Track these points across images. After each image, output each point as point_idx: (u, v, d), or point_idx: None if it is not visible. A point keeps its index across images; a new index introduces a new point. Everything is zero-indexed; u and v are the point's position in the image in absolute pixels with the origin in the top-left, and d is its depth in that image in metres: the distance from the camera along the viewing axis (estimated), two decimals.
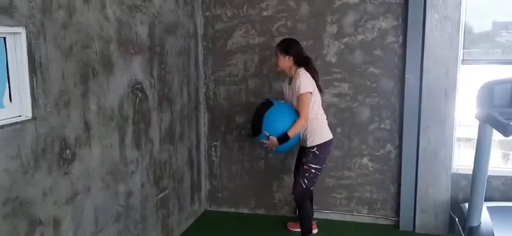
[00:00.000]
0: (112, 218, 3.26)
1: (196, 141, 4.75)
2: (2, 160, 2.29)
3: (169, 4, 4.01)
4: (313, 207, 4.37)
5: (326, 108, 4.20)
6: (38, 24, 2.47)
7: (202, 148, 4.91)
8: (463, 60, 4.25)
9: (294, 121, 3.75)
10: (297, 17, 4.49)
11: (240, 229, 4.57)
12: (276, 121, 3.81)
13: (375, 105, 4.44)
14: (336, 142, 4.51)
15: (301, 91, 3.73)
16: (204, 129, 4.92)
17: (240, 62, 4.71)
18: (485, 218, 3.61)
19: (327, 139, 3.90)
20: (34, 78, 2.46)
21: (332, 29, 4.43)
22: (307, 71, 3.86)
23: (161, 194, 3.98)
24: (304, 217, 3.97)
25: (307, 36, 4.47)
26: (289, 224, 4.54)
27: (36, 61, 2.47)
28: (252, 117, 4.05)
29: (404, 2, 4.22)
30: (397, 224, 4.53)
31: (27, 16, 2.40)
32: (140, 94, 3.57)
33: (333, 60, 4.45)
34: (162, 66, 3.91)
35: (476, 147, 3.40)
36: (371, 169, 4.55)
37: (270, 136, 3.76)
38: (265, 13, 4.57)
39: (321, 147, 3.86)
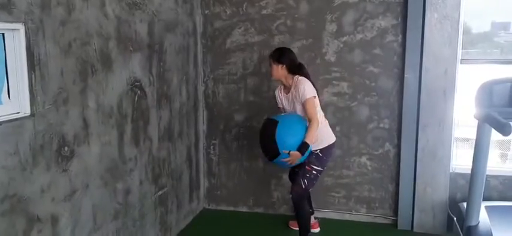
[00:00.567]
0: (110, 216, 3.26)
1: (195, 139, 4.75)
2: (0, 157, 2.29)
3: (168, 2, 4.01)
4: (311, 206, 4.38)
5: (325, 107, 4.20)
6: (37, 21, 2.47)
7: (201, 146, 4.90)
8: (462, 59, 4.25)
9: (306, 127, 3.71)
10: (296, 16, 4.49)
11: (238, 228, 4.57)
12: (289, 136, 3.70)
13: (374, 104, 4.44)
14: (335, 141, 4.52)
15: (307, 96, 3.72)
16: (202, 127, 4.92)
17: (239, 61, 4.71)
18: (483, 217, 3.61)
19: (330, 142, 3.91)
20: (33, 75, 2.46)
21: (331, 27, 4.42)
22: (308, 78, 3.86)
23: (160, 192, 3.98)
24: (302, 217, 3.96)
25: (307, 35, 4.47)
26: (290, 222, 4.54)
27: (35, 58, 2.47)
28: (262, 142, 3.89)
29: (404, 1, 4.22)
30: (395, 223, 4.53)
31: (26, 12, 2.40)
32: (139, 91, 3.56)
33: (332, 59, 4.45)
34: (161, 64, 3.91)
35: (475, 147, 3.40)
36: (369, 168, 4.56)
37: (291, 152, 3.66)
38: (264, 11, 4.56)
39: (325, 149, 3.86)
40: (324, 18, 4.43)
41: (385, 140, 4.48)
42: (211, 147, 4.95)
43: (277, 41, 4.54)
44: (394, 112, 4.41)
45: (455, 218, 4.08)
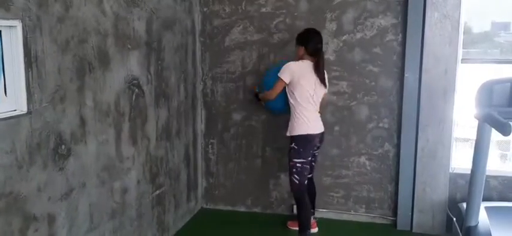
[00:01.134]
0: (107, 215, 3.23)
1: (193, 138, 4.72)
2: None
3: None
4: (314, 206, 4.36)
5: (324, 106, 4.17)
6: (34, 18, 2.44)
7: (199, 145, 4.88)
8: (462, 59, 4.23)
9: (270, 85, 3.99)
10: (295, 14, 4.47)
11: (237, 227, 4.55)
12: (265, 78, 4.24)
13: (374, 104, 4.42)
14: (334, 141, 4.50)
15: (278, 74, 3.88)
16: (200, 126, 4.89)
17: (237, 59, 4.69)
18: (482, 218, 3.60)
19: (300, 133, 3.88)
20: (30, 72, 2.43)
21: (331, 26, 4.40)
22: (314, 64, 3.86)
23: (157, 192, 3.96)
24: (302, 214, 3.96)
25: None
26: (289, 222, 4.52)
27: (32, 56, 2.44)
28: None
29: (404, 0, 4.20)
30: (394, 224, 4.51)
31: (23, 9, 2.37)
32: (137, 90, 3.53)
33: (332, 57, 4.43)
34: (159, 62, 3.88)
35: (475, 147, 3.39)
36: (369, 168, 4.54)
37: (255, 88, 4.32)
38: (263, 9, 4.54)
39: (299, 140, 3.88)
40: (323, 17, 4.41)
41: (385, 140, 4.46)
42: (210, 146, 4.93)
43: (277, 40, 4.53)
44: (393, 112, 4.39)
45: (454, 219, 4.06)
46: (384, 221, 4.58)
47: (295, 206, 4.17)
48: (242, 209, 4.95)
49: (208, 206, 5.04)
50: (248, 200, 4.92)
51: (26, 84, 2.41)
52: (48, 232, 2.64)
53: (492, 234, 3.45)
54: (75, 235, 2.90)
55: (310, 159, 3.97)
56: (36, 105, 2.49)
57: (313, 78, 3.85)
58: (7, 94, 2.38)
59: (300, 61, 3.88)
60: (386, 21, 4.29)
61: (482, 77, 3.46)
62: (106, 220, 3.22)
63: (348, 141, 4.54)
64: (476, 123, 3.35)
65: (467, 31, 4.32)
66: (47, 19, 2.53)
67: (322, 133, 4.02)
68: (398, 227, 4.46)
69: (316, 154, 4.16)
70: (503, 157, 4.66)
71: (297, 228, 4.10)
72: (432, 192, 4.32)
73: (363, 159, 4.54)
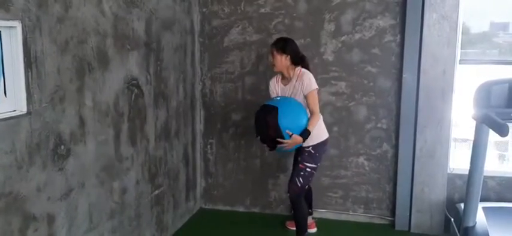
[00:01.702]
0: (106, 215, 3.24)
1: (192, 138, 4.73)
2: None
3: (166, 0, 3.99)
4: (311, 206, 4.37)
5: (322, 106, 4.19)
6: (34, 18, 2.45)
7: (197, 145, 4.89)
8: (460, 60, 4.24)
9: (304, 111, 3.71)
10: (294, 15, 4.48)
11: (235, 227, 4.56)
12: (291, 120, 3.63)
13: (372, 104, 4.43)
14: (333, 141, 4.50)
15: (312, 88, 3.71)
16: (199, 127, 4.90)
17: (236, 59, 4.69)
18: (480, 218, 3.62)
19: (323, 139, 3.88)
20: (29, 73, 2.44)
21: (330, 27, 4.41)
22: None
23: (156, 192, 3.96)
24: (299, 216, 3.96)
25: (305, 34, 4.46)
26: (287, 222, 4.53)
27: (32, 56, 2.45)
28: (263, 131, 3.73)
29: (403, 1, 4.21)
30: (392, 224, 4.52)
31: (23, 10, 2.38)
32: (136, 90, 3.54)
33: (330, 58, 4.44)
34: (158, 62, 3.89)
35: (473, 147, 3.40)
36: (367, 168, 4.55)
37: (293, 135, 3.60)
38: (262, 10, 4.55)
39: (317, 146, 3.85)
40: (322, 18, 4.42)
41: (383, 140, 4.47)
42: (208, 146, 4.94)
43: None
44: (392, 113, 4.40)
45: (452, 219, 4.08)
46: (382, 222, 4.59)
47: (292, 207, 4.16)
48: (241, 209, 4.96)
49: (207, 206, 5.05)
50: (247, 201, 4.93)
51: (25, 85, 2.42)
52: (47, 231, 2.65)
53: (490, 234, 3.47)
54: (75, 235, 2.90)
55: (319, 165, 3.95)
56: (35, 105, 2.49)
57: None
58: (7, 95, 2.39)
59: (304, 70, 3.82)
60: (384, 22, 4.30)
61: (481, 78, 3.47)
62: (105, 220, 3.23)
63: (346, 142, 4.55)
64: (474, 123, 3.37)
65: (466, 32, 4.33)
66: (46, 19, 2.54)
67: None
68: (397, 228, 4.47)
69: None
70: (501, 157, 4.67)
71: (295, 228, 4.10)
72: (430, 192, 4.33)
73: (361, 159, 4.55)
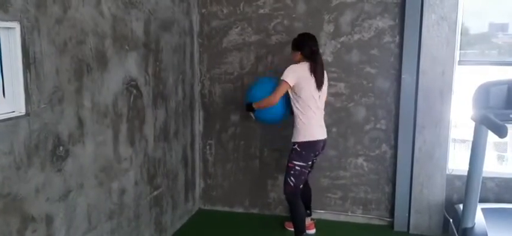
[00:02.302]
0: (105, 216, 3.24)
1: (191, 139, 4.73)
2: None
3: (165, 0, 3.99)
4: (310, 207, 4.37)
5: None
6: (33, 19, 2.45)
7: (196, 146, 4.88)
8: (459, 61, 4.25)
9: (263, 90, 3.96)
10: (293, 16, 4.48)
11: (234, 228, 4.56)
12: (252, 90, 4.14)
13: (371, 105, 4.44)
14: (332, 142, 4.51)
15: (281, 77, 3.80)
16: (198, 127, 4.90)
17: (235, 60, 4.69)
18: (479, 219, 3.62)
19: (308, 139, 3.85)
20: (28, 74, 2.43)
21: (329, 27, 4.41)
22: (312, 67, 3.82)
23: (155, 192, 3.96)
24: (296, 217, 3.95)
25: None
26: (286, 223, 4.53)
27: (30, 57, 2.44)
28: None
29: (402, 2, 4.21)
30: (391, 225, 4.53)
31: (22, 11, 2.37)
32: (135, 91, 3.54)
33: (329, 59, 4.44)
34: (157, 63, 3.89)
35: (472, 148, 3.40)
36: (366, 169, 4.55)
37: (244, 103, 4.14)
38: (261, 11, 4.55)
39: (303, 145, 3.84)
40: (321, 18, 4.42)
41: (382, 141, 4.47)
42: (207, 147, 4.94)
43: (274, 41, 4.54)
44: (391, 113, 4.41)
45: (451, 220, 4.07)
46: (381, 222, 4.59)
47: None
48: (240, 210, 4.95)
49: (206, 207, 5.05)
50: (246, 201, 4.93)
51: (24, 86, 2.42)
52: (46, 232, 2.64)
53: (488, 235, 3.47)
54: None
55: (310, 163, 3.96)
56: (34, 106, 2.49)
57: (313, 80, 3.83)
58: (5, 96, 2.39)
59: (301, 64, 3.85)
60: (383, 22, 4.30)
61: (480, 79, 3.47)
62: (104, 221, 3.22)
63: (345, 142, 4.55)
64: (473, 124, 3.37)
65: (465, 32, 4.33)
66: (45, 20, 2.54)
67: (325, 140, 4.00)
68: (395, 228, 4.47)
69: (315, 160, 4.14)
70: (500, 158, 4.68)
71: (293, 229, 4.10)
72: (429, 193, 4.33)
73: (360, 160, 4.55)
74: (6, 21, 2.29)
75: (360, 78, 4.42)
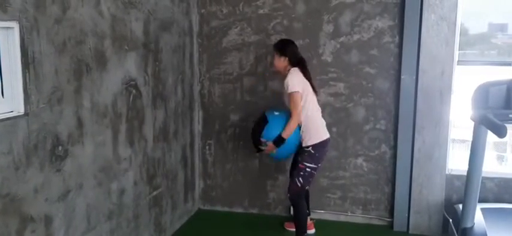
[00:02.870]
0: (104, 216, 3.24)
1: (190, 139, 4.72)
2: None
3: (164, 1, 3.98)
4: (309, 207, 4.37)
5: (321, 107, 4.18)
6: (31, 19, 2.45)
7: (196, 146, 4.88)
8: (458, 61, 4.25)
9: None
10: (293, 16, 4.47)
11: (234, 228, 4.56)
12: (272, 130, 3.88)
13: (371, 105, 4.43)
14: (331, 142, 4.48)
15: (289, 90, 3.74)
16: (198, 127, 4.90)
17: (235, 60, 4.69)
18: (478, 219, 3.62)
19: (323, 139, 3.88)
20: (27, 74, 2.43)
21: (328, 28, 4.41)
22: (301, 71, 3.84)
23: (154, 193, 3.96)
24: (299, 217, 3.96)
25: (303, 35, 4.45)
26: (286, 224, 4.52)
27: (29, 57, 2.44)
28: (252, 135, 4.11)
29: (401, 2, 4.21)
30: (391, 225, 4.52)
31: (21, 11, 2.37)
32: (134, 91, 3.54)
33: (329, 59, 4.44)
34: (157, 63, 3.89)
35: (471, 148, 3.40)
36: (366, 169, 4.55)
37: (267, 142, 3.87)
38: (261, 11, 4.55)
39: (317, 146, 3.85)
40: (320, 19, 4.42)
41: (382, 141, 4.47)
42: (207, 147, 4.93)
43: (274, 41, 4.50)
44: (390, 114, 4.40)
45: (450, 220, 4.07)
46: (381, 223, 4.59)
47: (292, 208, 4.16)
48: (239, 210, 4.95)
49: (205, 207, 5.04)
50: (245, 202, 4.93)
51: (23, 86, 2.42)
52: (45, 233, 2.64)
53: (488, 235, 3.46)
54: None
55: (320, 165, 3.95)
56: (33, 106, 2.49)
57: (308, 84, 3.86)
58: (4, 96, 2.39)
59: (293, 70, 3.83)
60: (383, 23, 4.30)
61: (479, 79, 3.47)
62: (103, 221, 3.22)
63: (345, 143, 4.55)
64: (472, 124, 3.37)
65: (464, 33, 4.33)
66: (44, 20, 2.53)
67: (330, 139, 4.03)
68: (395, 229, 4.47)
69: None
70: (500, 158, 4.68)
71: (294, 229, 4.10)
72: (428, 193, 4.33)
73: (359, 160, 4.55)
74: (5, 21, 2.29)
75: (360, 78, 4.42)
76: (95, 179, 3.10)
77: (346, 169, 4.59)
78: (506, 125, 2.92)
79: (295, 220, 4.01)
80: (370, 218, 4.61)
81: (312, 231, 4.37)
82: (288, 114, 3.86)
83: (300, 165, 3.87)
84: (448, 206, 4.31)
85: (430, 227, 4.38)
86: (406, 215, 4.42)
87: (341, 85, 4.46)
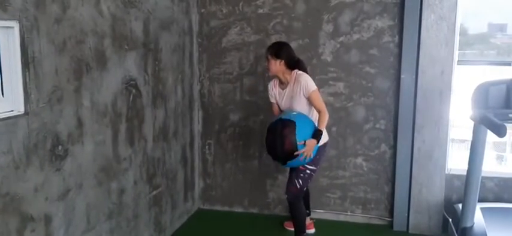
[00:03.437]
0: (104, 216, 3.24)
1: (190, 138, 4.73)
2: None
3: (164, 0, 3.98)
4: (309, 207, 4.37)
5: None
6: (32, 19, 2.45)
7: (196, 146, 4.88)
8: (458, 61, 4.25)
9: (312, 122, 3.71)
10: (293, 15, 4.48)
11: (233, 228, 4.56)
12: (307, 132, 3.62)
13: (370, 105, 4.44)
14: (331, 142, 4.49)
15: (313, 89, 3.67)
16: (198, 127, 4.90)
17: (235, 60, 4.69)
18: (478, 219, 3.62)
19: (324, 141, 3.86)
20: (27, 73, 2.43)
21: (328, 27, 4.41)
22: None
23: (154, 192, 3.96)
24: (297, 218, 3.95)
25: (303, 35, 4.46)
26: (286, 223, 4.52)
27: (29, 56, 2.44)
28: (278, 145, 3.62)
29: (401, 1, 4.21)
30: (390, 225, 4.52)
31: (21, 10, 2.37)
32: (134, 90, 3.54)
33: (329, 59, 4.44)
34: (157, 62, 3.89)
35: (471, 148, 3.41)
36: (365, 169, 4.55)
37: (306, 141, 3.57)
38: (260, 11, 4.55)
39: (319, 148, 3.83)
40: (320, 18, 4.42)
41: (381, 141, 4.47)
42: (207, 146, 4.93)
43: (274, 41, 4.52)
44: (390, 113, 4.41)
45: (450, 220, 4.08)
46: (381, 222, 4.59)
47: (289, 208, 4.12)
48: (239, 209, 4.95)
49: (205, 207, 5.04)
50: (245, 201, 4.93)
51: (23, 85, 2.42)
52: (45, 232, 2.64)
53: (487, 235, 3.47)
54: None
55: (319, 167, 3.94)
56: (33, 105, 2.49)
57: None
58: (4, 95, 2.39)
59: (300, 73, 3.77)
60: (383, 22, 4.30)
61: (479, 78, 3.48)
62: (103, 221, 3.22)
63: (344, 142, 4.55)
64: (472, 124, 3.37)
65: (464, 33, 4.33)
66: (44, 20, 2.53)
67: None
68: (395, 228, 4.47)
69: None
70: (500, 158, 4.68)
71: (293, 229, 4.10)
72: (428, 193, 4.33)
73: (359, 159, 4.55)
74: (5, 20, 2.29)
75: (359, 78, 4.42)
76: (95, 178, 3.10)
77: (346, 168, 4.59)
78: (506, 124, 2.92)
79: (294, 221, 4.00)
80: (370, 217, 4.62)
81: (312, 231, 4.37)
82: (297, 112, 3.74)
83: (301, 167, 3.81)
84: (448, 205, 4.31)
85: (429, 226, 4.39)
86: (406, 214, 4.43)
87: (341, 84, 4.47)
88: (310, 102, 3.72)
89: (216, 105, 4.83)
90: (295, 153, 3.57)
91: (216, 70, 4.76)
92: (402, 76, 4.25)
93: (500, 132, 2.91)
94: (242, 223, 4.68)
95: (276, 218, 4.71)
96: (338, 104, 4.50)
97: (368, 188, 4.58)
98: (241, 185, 4.91)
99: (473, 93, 3.39)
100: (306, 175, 3.82)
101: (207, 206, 5.04)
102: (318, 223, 4.48)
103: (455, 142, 4.52)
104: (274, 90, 3.94)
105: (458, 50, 4.25)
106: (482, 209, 3.80)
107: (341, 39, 4.41)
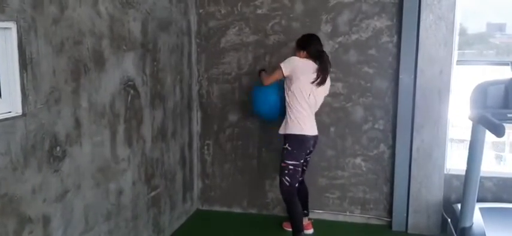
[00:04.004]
0: (102, 217, 3.23)
1: (189, 139, 4.72)
2: None
3: (162, 1, 3.98)
4: (308, 207, 4.37)
5: (320, 107, 4.17)
6: (29, 20, 2.44)
7: (194, 146, 4.88)
8: (457, 61, 4.25)
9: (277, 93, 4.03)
10: (291, 16, 4.47)
11: (232, 229, 4.55)
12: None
13: (369, 105, 4.43)
14: (330, 142, 4.51)
15: (280, 63, 3.84)
16: (196, 128, 4.89)
17: (233, 60, 4.69)
18: (477, 219, 3.62)
19: (295, 132, 3.85)
20: (24, 74, 2.43)
21: (326, 27, 4.41)
22: (318, 65, 3.85)
23: (153, 193, 3.95)
24: (293, 216, 3.95)
25: None
26: (284, 223, 4.52)
27: (27, 57, 2.43)
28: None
29: (399, 1, 4.21)
30: (389, 225, 4.52)
31: (18, 11, 2.36)
32: (132, 91, 3.53)
33: None
34: (155, 63, 3.88)
35: (469, 148, 3.41)
36: (364, 169, 4.55)
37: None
38: (259, 11, 4.54)
39: (292, 141, 3.85)
40: (319, 19, 4.42)
41: (380, 141, 4.47)
42: (205, 147, 4.93)
43: (272, 41, 4.53)
44: (389, 113, 4.40)
45: (449, 220, 4.08)
46: (379, 222, 4.59)
47: (286, 207, 4.13)
48: (238, 210, 4.95)
49: (204, 208, 5.04)
50: (244, 202, 4.92)
51: (20, 86, 2.41)
52: (43, 233, 2.64)
53: (486, 235, 3.46)
54: None
55: (302, 161, 3.96)
56: (31, 106, 2.48)
57: (312, 78, 3.81)
58: (2, 96, 2.38)
59: (305, 59, 3.86)
60: (381, 22, 4.30)
61: (478, 78, 3.48)
62: (101, 222, 3.22)
63: (343, 142, 4.55)
64: (470, 124, 3.37)
65: (463, 32, 4.33)
66: (41, 20, 2.53)
67: (316, 137, 4.00)
68: (394, 228, 4.47)
69: (308, 158, 4.14)
70: (498, 158, 4.68)
71: (291, 229, 4.10)
72: (427, 193, 4.33)
73: (358, 160, 4.55)
74: (3, 21, 2.28)
75: (358, 78, 4.42)
76: (93, 179, 3.10)
77: (345, 168, 4.59)
78: (505, 124, 2.92)
79: (290, 220, 4.00)
80: (369, 218, 4.61)
81: (310, 231, 4.37)
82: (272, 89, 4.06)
83: (282, 164, 3.90)
84: (447, 205, 4.31)
85: (428, 226, 4.38)
86: (405, 214, 4.42)
87: (339, 85, 4.46)
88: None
89: (215, 105, 4.82)
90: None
91: (214, 71, 4.76)
92: (401, 76, 4.25)
93: (498, 131, 2.91)
94: (241, 223, 4.68)
95: (275, 219, 4.71)
96: (337, 104, 4.50)
97: (367, 189, 4.57)
98: (240, 186, 4.90)
99: (472, 93, 3.39)
100: (291, 171, 3.87)
101: (206, 207, 5.04)
102: (316, 223, 4.48)
103: (454, 142, 4.52)
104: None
105: (457, 49, 4.25)
106: (481, 209, 3.80)
107: (339, 39, 4.40)
